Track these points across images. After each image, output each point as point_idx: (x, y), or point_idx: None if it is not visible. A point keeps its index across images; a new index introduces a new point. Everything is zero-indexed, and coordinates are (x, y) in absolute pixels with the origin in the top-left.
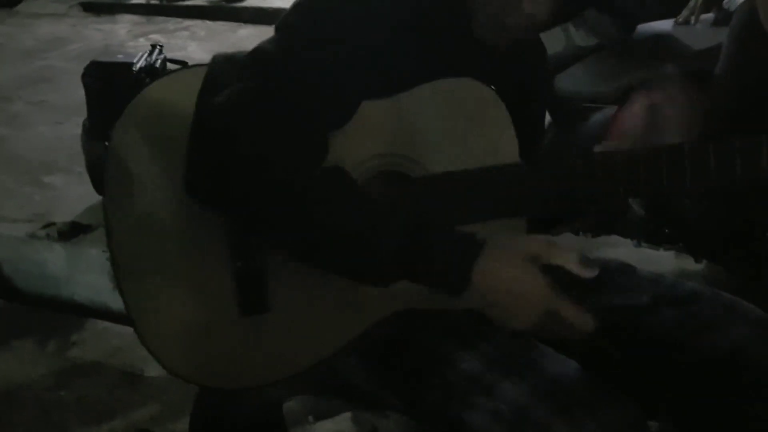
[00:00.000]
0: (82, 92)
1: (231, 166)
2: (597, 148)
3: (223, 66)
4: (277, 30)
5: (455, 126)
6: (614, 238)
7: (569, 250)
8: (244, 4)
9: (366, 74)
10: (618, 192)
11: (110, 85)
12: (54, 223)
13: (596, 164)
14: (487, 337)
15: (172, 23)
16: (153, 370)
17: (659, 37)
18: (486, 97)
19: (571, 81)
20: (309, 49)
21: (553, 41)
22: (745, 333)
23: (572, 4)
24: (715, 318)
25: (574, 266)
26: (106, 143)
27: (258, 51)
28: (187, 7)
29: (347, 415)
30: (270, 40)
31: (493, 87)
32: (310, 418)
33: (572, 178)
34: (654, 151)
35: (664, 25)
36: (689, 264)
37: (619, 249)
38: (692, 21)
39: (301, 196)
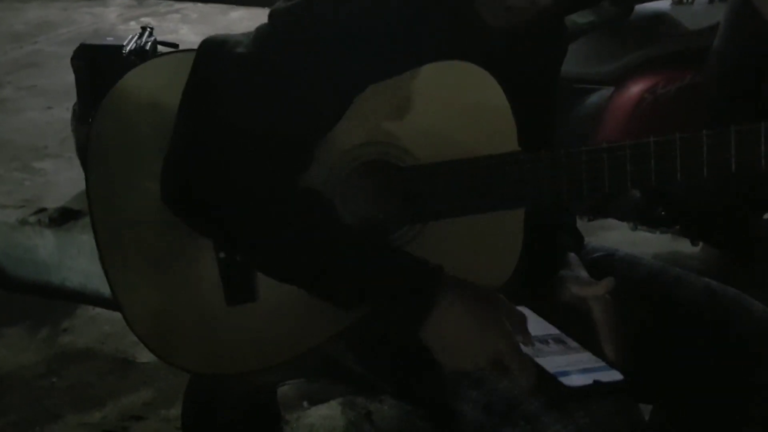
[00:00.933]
0: (71, 77)
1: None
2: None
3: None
4: (273, 15)
5: (448, 112)
6: (610, 222)
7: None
8: None
9: (369, 57)
10: (625, 183)
11: (100, 69)
12: (45, 209)
13: (602, 153)
14: None
15: (164, 6)
16: (145, 356)
17: (656, 17)
18: (482, 82)
19: (566, 60)
20: (310, 29)
21: None
22: (751, 330)
23: None
24: (721, 313)
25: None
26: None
27: (260, 30)
28: None
29: (341, 399)
30: (268, 24)
31: (489, 72)
32: (305, 403)
33: (576, 168)
34: (667, 143)
35: (661, 4)
36: (685, 247)
37: (616, 232)
38: (687, 0)
39: (276, 214)
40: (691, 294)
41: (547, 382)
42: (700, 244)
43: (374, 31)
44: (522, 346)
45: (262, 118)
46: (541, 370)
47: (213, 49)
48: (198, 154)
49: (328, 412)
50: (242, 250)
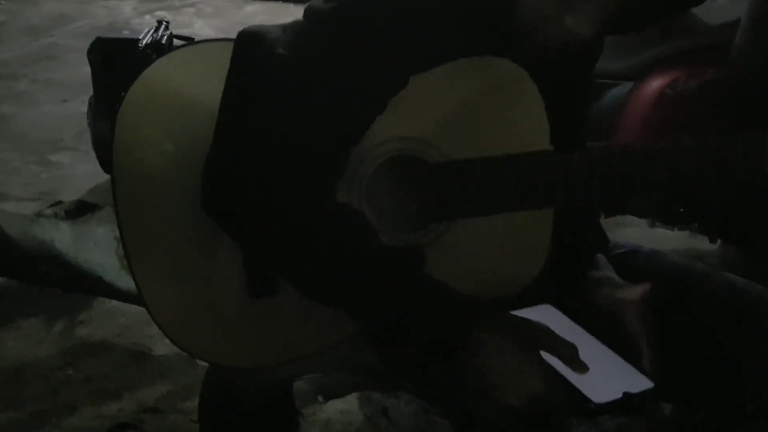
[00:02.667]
0: (87, 70)
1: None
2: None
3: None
4: (313, 14)
5: (480, 109)
6: (628, 218)
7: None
8: None
9: (408, 66)
10: (661, 184)
11: (116, 62)
12: (61, 202)
13: (638, 154)
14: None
15: (178, 0)
16: (161, 348)
17: None
18: (517, 79)
19: None
20: (353, 35)
21: None
22: None
23: (626, 26)
24: (745, 309)
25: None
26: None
27: (300, 30)
28: None
29: (358, 395)
30: (308, 23)
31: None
32: (320, 397)
33: (609, 168)
34: (702, 145)
35: None
36: (704, 244)
37: (634, 229)
38: None
39: (312, 230)
40: (716, 290)
41: (574, 397)
42: (719, 241)
43: (414, 40)
44: (545, 354)
45: (303, 125)
46: (567, 385)
47: (252, 45)
48: (239, 162)
49: (345, 407)
50: (275, 263)
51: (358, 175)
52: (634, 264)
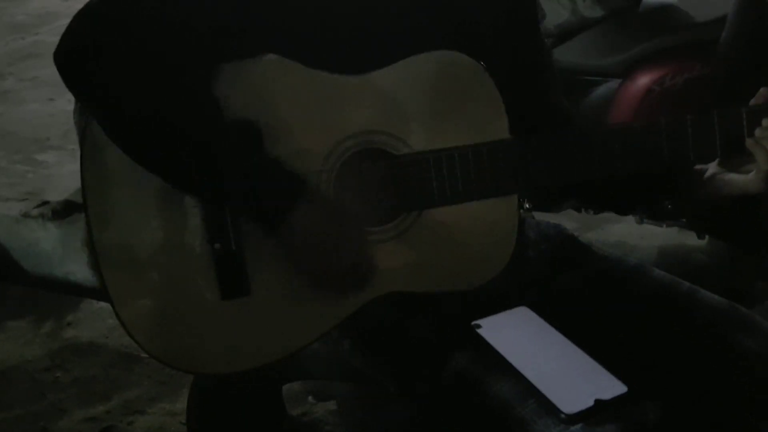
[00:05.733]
0: None
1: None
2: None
3: None
4: None
5: (440, 102)
6: (616, 215)
7: None
8: None
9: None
10: (614, 164)
11: None
12: (47, 202)
13: (594, 134)
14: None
15: None
16: None
17: (663, 8)
18: (474, 72)
19: (572, 53)
20: None
21: (559, 10)
22: (757, 352)
23: None
24: (729, 332)
25: None
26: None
27: None
28: None
29: (348, 396)
30: None
31: (482, 63)
32: (310, 398)
33: (573, 152)
34: (681, 121)
35: None
36: (692, 240)
37: (622, 225)
38: None
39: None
40: (701, 311)
41: (545, 407)
42: (707, 237)
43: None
44: (521, 360)
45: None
46: (536, 394)
47: None
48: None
49: (334, 408)
50: (120, 119)
51: (326, 169)
52: (619, 277)
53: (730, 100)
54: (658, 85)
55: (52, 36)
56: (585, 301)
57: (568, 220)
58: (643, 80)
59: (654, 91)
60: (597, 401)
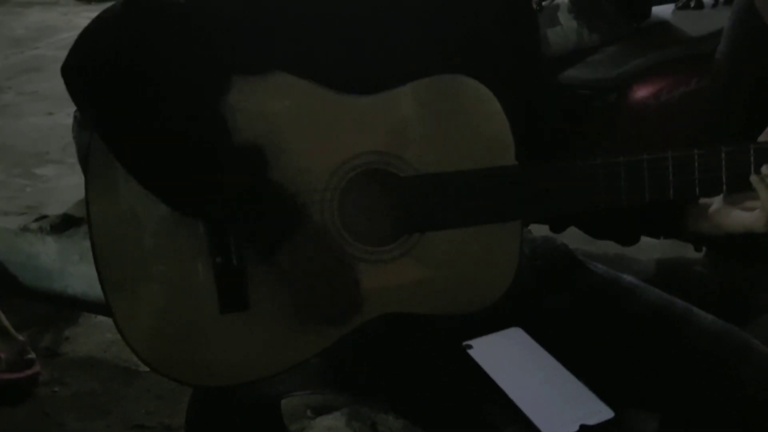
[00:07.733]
0: None
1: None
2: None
3: None
4: None
5: (447, 125)
6: None
7: None
8: None
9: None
10: (620, 199)
11: None
12: (46, 216)
13: (598, 168)
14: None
15: None
16: None
17: (659, 24)
18: (482, 98)
19: (571, 67)
20: None
21: (564, 40)
22: (755, 376)
23: None
24: (724, 355)
25: None
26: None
27: None
28: None
29: (346, 410)
30: None
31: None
32: (309, 412)
33: (579, 182)
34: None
35: (664, 10)
36: (689, 252)
37: None
38: (691, 5)
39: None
40: (696, 335)
41: (530, 431)
42: (704, 249)
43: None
44: (509, 383)
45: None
46: (521, 417)
47: None
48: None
49: (333, 422)
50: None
51: (330, 188)
52: (613, 295)
53: (727, 114)
54: (654, 99)
55: (51, 50)
56: (578, 321)
57: (568, 232)
58: (641, 93)
59: (651, 105)
60: (582, 426)
